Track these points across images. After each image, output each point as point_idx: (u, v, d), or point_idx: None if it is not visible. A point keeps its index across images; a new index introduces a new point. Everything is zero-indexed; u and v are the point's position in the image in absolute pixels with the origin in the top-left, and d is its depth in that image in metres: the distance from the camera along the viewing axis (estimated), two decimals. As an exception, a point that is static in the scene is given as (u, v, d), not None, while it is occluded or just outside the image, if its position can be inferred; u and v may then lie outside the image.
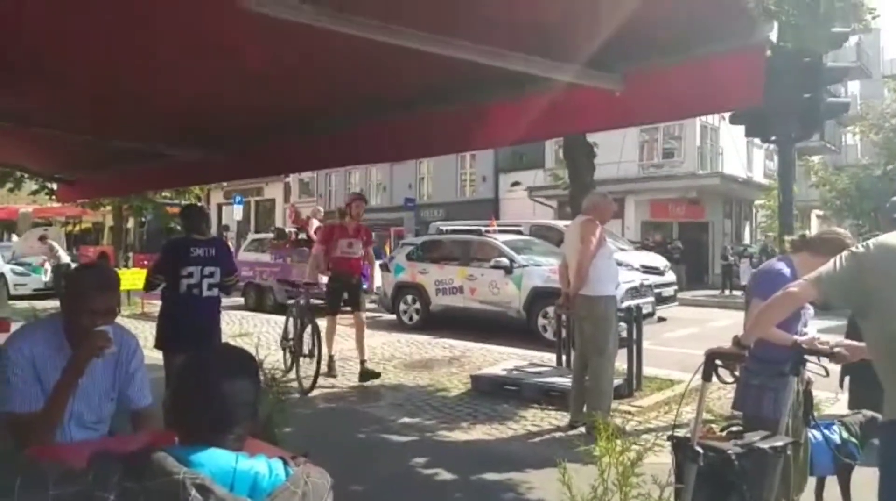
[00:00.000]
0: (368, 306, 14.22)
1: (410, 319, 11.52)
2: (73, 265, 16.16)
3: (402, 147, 3.55)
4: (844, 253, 2.23)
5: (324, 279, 7.76)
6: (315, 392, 6.59)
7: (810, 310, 3.24)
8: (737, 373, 2.77)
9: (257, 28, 2.30)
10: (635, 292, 9.73)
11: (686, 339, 10.34)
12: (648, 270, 12.25)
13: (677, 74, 2.51)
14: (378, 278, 12.84)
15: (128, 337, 2.47)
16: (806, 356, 2.94)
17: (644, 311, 7.72)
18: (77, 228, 23.24)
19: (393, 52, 2.37)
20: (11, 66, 3.13)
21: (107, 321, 2.28)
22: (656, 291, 10.96)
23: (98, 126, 4.18)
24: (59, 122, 4.10)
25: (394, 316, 11.89)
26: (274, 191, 32.76)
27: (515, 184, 24.67)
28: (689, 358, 8.30)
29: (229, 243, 15.47)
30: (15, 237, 21.95)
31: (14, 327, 4.97)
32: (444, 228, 12.60)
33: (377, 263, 13.51)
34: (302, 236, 14.31)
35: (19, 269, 16.85)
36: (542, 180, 23.39)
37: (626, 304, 7.94)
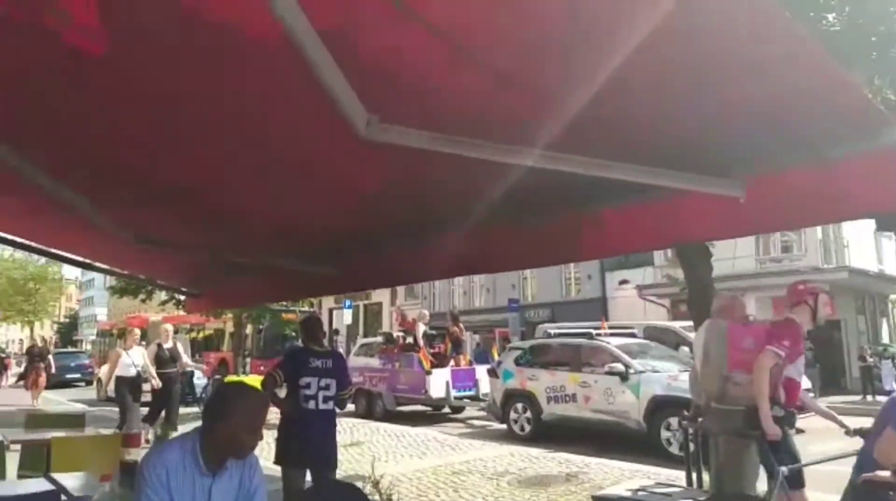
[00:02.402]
0: (476, 413, 14.02)
1: (522, 428, 11.10)
2: (196, 371, 16.96)
3: (512, 258, 3.52)
4: None
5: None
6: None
7: None
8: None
9: (374, 152, 2.39)
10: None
11: (831, 454, 9.34)
12: (779, 375, 11.33)
13: (806, 179, 2.34)
14: (486, 385, 12.66)
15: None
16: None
17: (779, 422, 7.05)
18: (201, 334, 24.56)
19: (503, 167, 2.38)
20: (155, 195, 3.45)
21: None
22: (791, 398, 10.06)
23: (226, 246, 4.47)
24: (192, 242, 4.41)
25: (504, 425, 11.53)
26: (381, 295, 33.66)
27: (623, 282, 24.06)
28: (838, 477, 7.44)
29: (340, 349, 15.90)
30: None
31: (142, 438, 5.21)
32: (553, 331, 12.30)
33: (483, 367, 13.37)
34: (409, 340, 14.44)
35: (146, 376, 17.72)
36: (652, 278, 22.70)
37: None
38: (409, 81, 2.09)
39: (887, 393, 16.73)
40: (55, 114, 2.56)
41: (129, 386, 9.90)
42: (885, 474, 2.52)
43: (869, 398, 16.92)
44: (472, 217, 3.23)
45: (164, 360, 10.30)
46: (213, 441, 2.30)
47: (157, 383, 10.12)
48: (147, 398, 10.47)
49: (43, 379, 16.69)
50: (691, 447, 6.44)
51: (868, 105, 2.07)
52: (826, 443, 9.89)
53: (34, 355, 17.23)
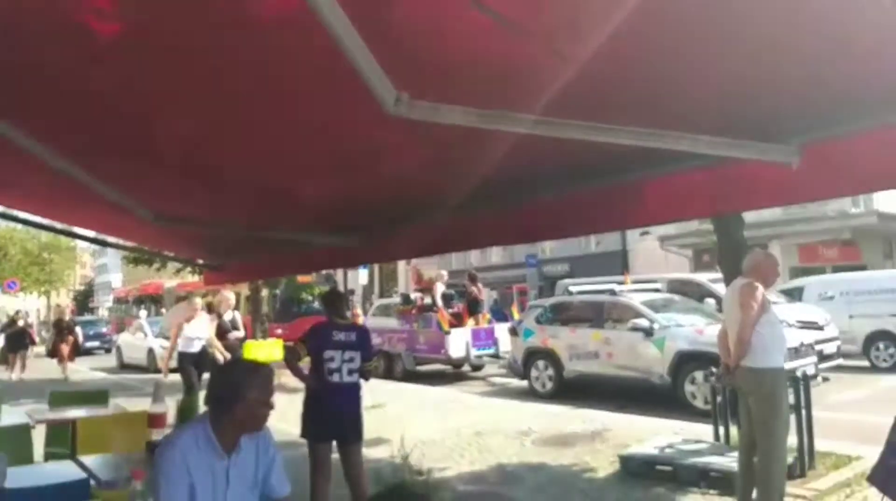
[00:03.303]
0: (496, 370, 14.10)
1: (543, 386, 11.08)
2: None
3: (551, 228, 3.39)
4: None
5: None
6: (452, 472, 6.36)
7: None
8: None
9: (406, 127, 2.24)
10: (795, 352, 8.82)
11: (857, 403, 9.28)
12: (806, 325, 11.19)
13: (865, 145, 2.17)
14: (506, 343, 12.66)
15: None
16: None
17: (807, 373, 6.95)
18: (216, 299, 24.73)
19: (544, 140, 2.22)
20: (176, 173, 3.33)
21: None
22: (817, 348, 9.94)
23: (248, 221, 4.36)
24: (214, 219, 4.30)
25: (525, 383, 11.53)
26: (396, 253, 33.64)
27: (645, 233, 23.72)
28: (864, 426, 7.39)
29: (358, 310, 15.91)
30: (164, 312, 23.66)
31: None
32: (574, 288, 12.16)
33: (502, 326, 13.36)
34: (427, 300, 14.39)
35: (166, 343, 17.73)
36: (675, 228, 22.42)
37: (785, 366, 7.19)
38: (440, 55, 1.93)
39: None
40: (72, 94, 2.43)
41: (194, 363, 8.90)
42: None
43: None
44: (510, 188, 3.09)
45: (226, 332, 9.10)
46: (229, 423, 2.28)
47: (224, 356, 8.77)
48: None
49: (71, 352, 16.60)
50: (718, 401, 6.37)
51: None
52: (844, 393, 9.89)
53: (62, 327, 16.98)
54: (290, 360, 4.76)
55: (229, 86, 2.28)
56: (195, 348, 8.93)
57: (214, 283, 7.11)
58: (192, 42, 1.97)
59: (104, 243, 6.10)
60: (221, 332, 9.08)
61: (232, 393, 2.26)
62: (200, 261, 6.71)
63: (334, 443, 4.68)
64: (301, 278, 19.97)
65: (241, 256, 5.78)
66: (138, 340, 18.53)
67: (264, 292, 21.56)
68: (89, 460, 4.05)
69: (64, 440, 5.19)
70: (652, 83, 2.09)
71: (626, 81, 2.04)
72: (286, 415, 4.80)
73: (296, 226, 4.43)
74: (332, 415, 4.61)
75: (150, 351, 17.55)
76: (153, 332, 18.18)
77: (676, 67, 1.98)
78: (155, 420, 4.58)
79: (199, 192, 3.77)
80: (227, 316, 9.33)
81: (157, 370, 16.85)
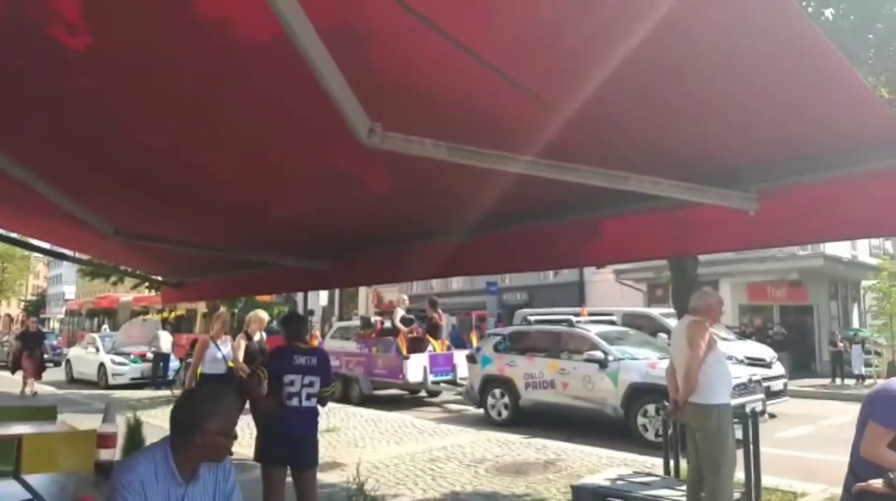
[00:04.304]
0: (453, 397, 14.05)
1: (499, 414, 11.11)
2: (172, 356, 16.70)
3: (509, 261, 3.44)
4: None
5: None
6: (406, 499, 6.33)
7: None
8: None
9: (377, 156, 2.29)
10: (743, 388, 9.04)
11: (802, 439, 9.52)
12: (754, 362, 11.48)
13: (827, 194, 2.23)
14: (464, 369, 12.66)
15: None
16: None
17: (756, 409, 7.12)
18: (172, 315, 24.18)
19: (503, 174, 2.29)
20: (139, 190, 3.30)
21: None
22: (765, 385, 10.19)
23: (211, 240, 4.33)
24: (176, 238, 4.27)
25: (481, 410, 11.54)
26: (357, 276, 33.36)
27: (602, 266, 24.18)
28: (809, 463, 7.61)
29: (316, 332, 15.70)
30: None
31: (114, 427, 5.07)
32: (532, 317, 12.27)
33: (460, 352, 13.36)
34: (387, 324, 14.33)
35: (118, 358, 17.24)
36: (630, 263, 22.89)
37: (734, 403, 7.37)
38: (414, 87, 1.98)
39: (855, 377, 17.22)
40: (35, 103, 2.42)
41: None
42: (878, 483, 2.53)
43: (838, 381, 17.29)
44: (474, 221, 3.15)
45: (254, 355, 7.74)
46: (189, 451, 2.20)
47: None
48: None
49: (38, 367, 15.12)
50: (669, 434, 6.49)
51: (891, 120, 1.99)
52: (790, 429, 10.14)
53: (28, 339, 15.31)
54: (251, 385, 4.64)
55: (198, 104, 2.28)
56: (222, 369, 7.57)
57: (173, 301, 6.99)
58: (163, 59, 1.98)
59: (61, 257, 5.96)
60: (249, 357, 7.77)
61: (193, 422, 2.17)
62: (159, 278, 6.60)
63: (288, 468, 4.63)
64: (261, 298, 19.65)
65: (202, 274, 5.71)
66: (90, 354, 18.02)
67: (223, 310, 21.13)
68: (34, 479, 3.93)
69: (8, 457, 5.00)
70: (617, 129, 2.19)
71: (593, 126, 2.12)
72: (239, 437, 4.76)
73: (261, 247, 4.41)
74: (289, 440, 4.55)
75: (102, 366, 17.08)
76: (105, 347, 17.71)
77: (641, 115, 2.07)
78: (104, 440, 4.47)
79: (163, 208, 3.73)
80: (256, 337, 8.21)
81: (108, 386, 16.41)
